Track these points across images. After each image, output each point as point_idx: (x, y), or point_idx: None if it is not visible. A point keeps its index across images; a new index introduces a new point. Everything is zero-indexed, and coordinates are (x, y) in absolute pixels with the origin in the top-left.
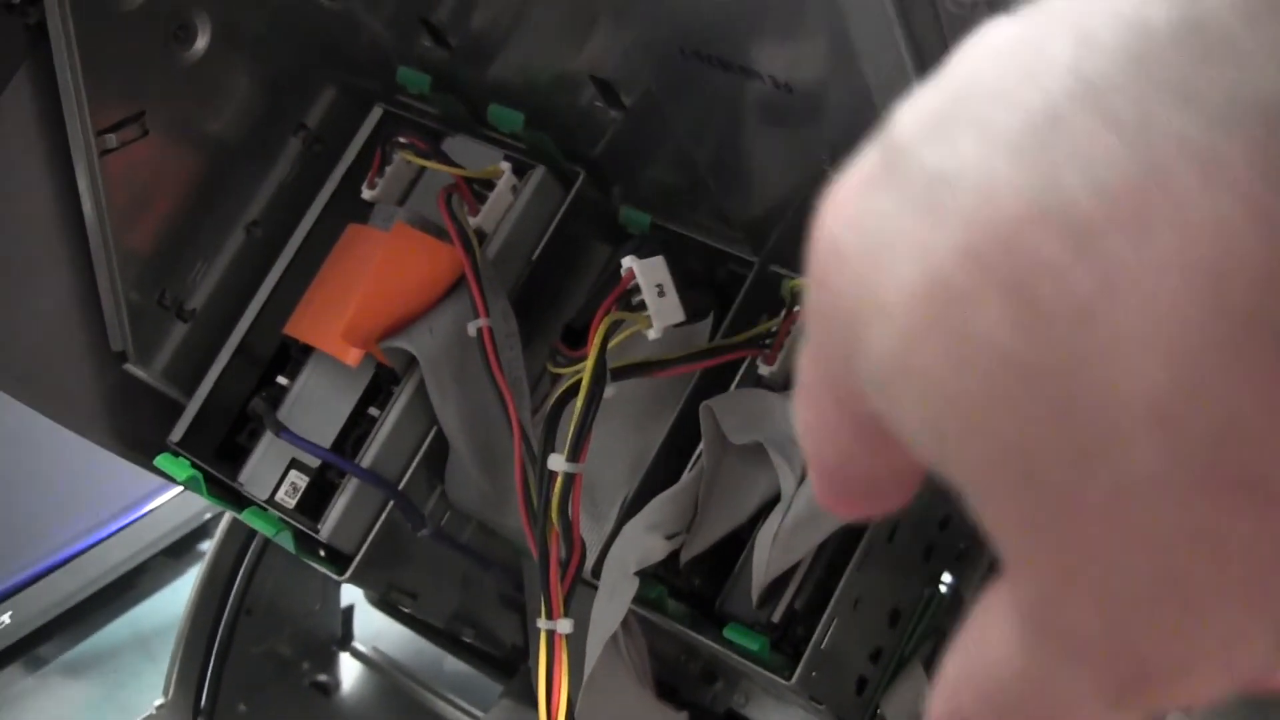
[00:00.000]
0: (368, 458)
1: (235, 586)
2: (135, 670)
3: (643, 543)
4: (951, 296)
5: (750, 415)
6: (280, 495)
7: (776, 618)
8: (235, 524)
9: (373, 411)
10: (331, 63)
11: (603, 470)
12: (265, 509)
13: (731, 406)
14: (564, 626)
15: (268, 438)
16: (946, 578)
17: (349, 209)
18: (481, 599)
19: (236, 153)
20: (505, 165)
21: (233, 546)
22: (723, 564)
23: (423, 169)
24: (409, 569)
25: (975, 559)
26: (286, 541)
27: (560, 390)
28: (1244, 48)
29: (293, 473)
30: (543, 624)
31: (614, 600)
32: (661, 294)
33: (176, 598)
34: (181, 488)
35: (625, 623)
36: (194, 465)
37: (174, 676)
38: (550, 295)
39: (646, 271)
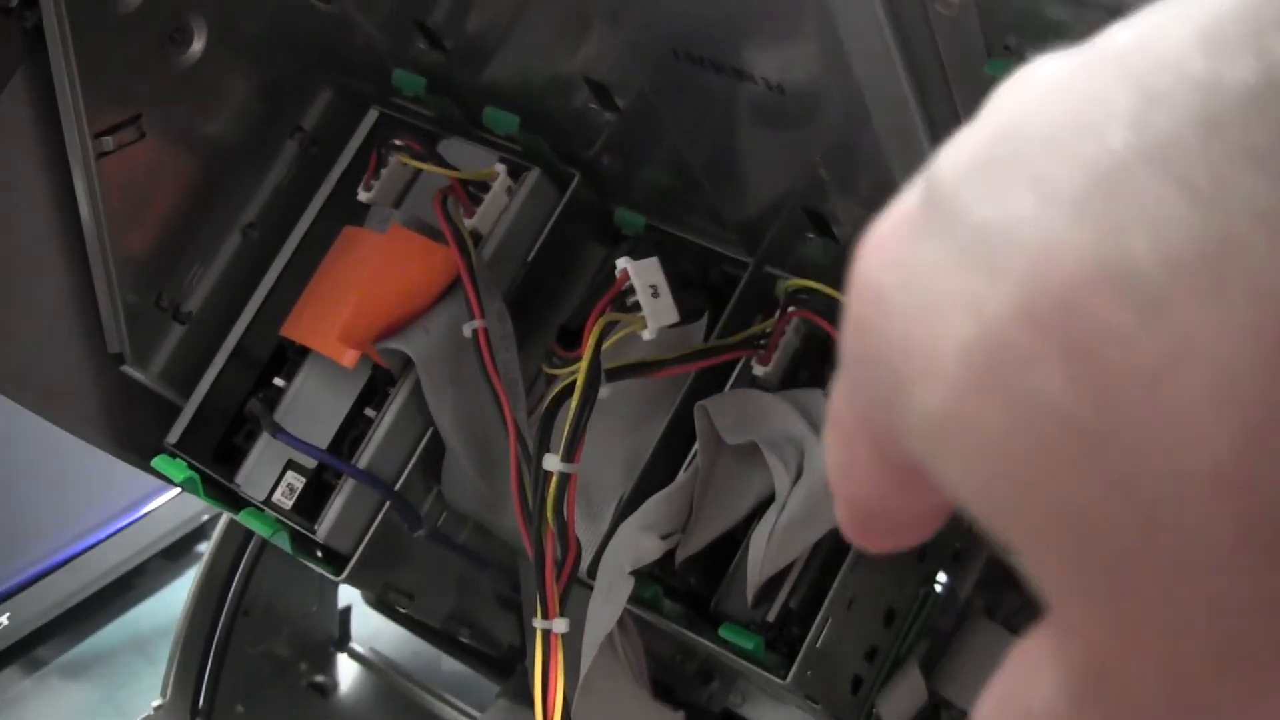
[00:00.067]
0: (364, 458)
1: (233, 588)
2: (133, 671)
3: (638, 542)
4: (1008, 356)
5: (745, 415)
6: (277, 496)
7: (772, 617)
8: (232, 525)
9: (369, 412)
10: (327, 66)
11: (598, 470)
12: (262, 510)
13: (726, 407)
14: (559, 626)
15: (264, 439)
16: (941, 577)
17: (345, 211)
18: (478, 599)
19: (233, 155)
20: (500, 167)
21: (230, 548)
22: (718, 564)
23: (418, 171)
24: (406, 569)
25: (970, 559)
26: (283, 542)
27: (555, 391)
28: None
29: (289, 474)
30: (538, 623)
31: (610, 600)
32: (656, 295)
33: (174, 599)
34: (179, 489)
35: (621, 622)
36: (191, 466)
37: (172, 677)
38: (545, 296)
39: (641, 272)
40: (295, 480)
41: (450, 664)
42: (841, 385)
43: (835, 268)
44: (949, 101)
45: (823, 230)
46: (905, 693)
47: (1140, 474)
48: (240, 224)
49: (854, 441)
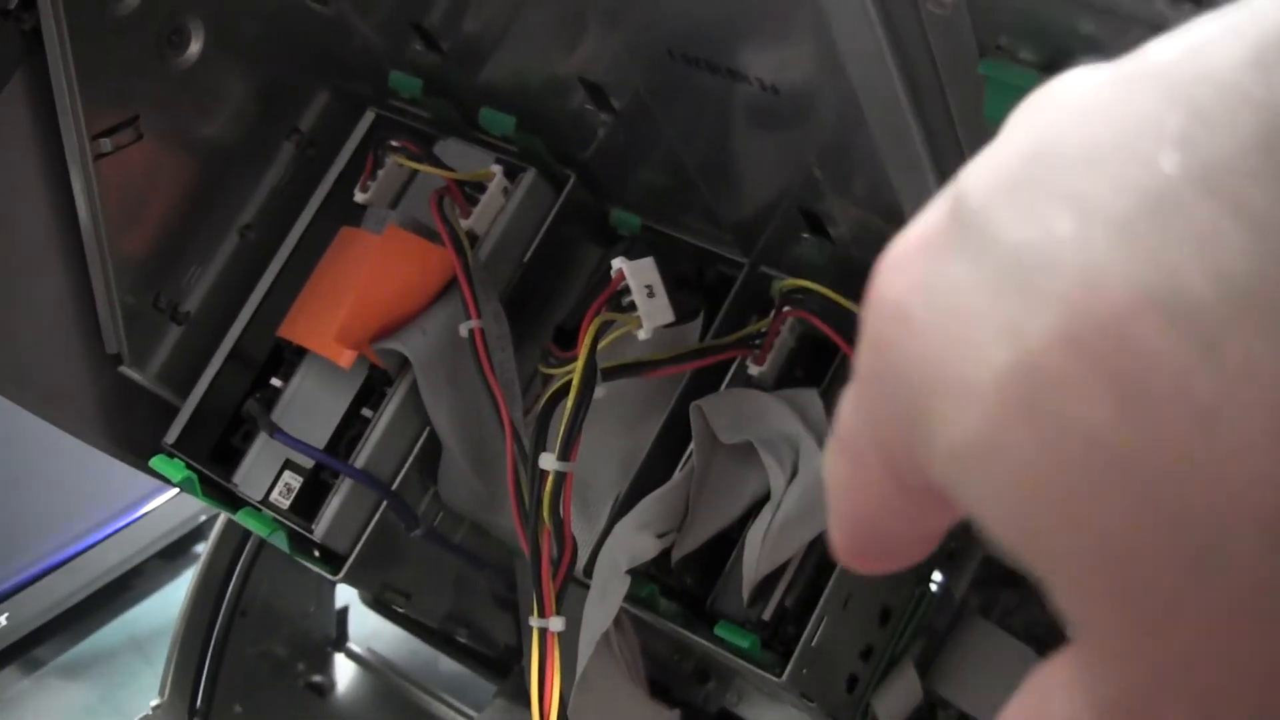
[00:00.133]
0: (361, 458)
1: (230, 588)
2: (131, 671)
3: (634, 541)
4: (1050, 385)
5: (740, 415)
6: (274, 496)
7: (767, 616)
8: (230, 526)
9: (366, 412)
10: (324, 67)
11: (594, 470)
12: (260, 509)
13: (722, 406)
14: (556, 624)
15: (262, 439)
16: (937, 576)
17: (342, 212)
18: (475, 599)
19: (230, 156)
20: (497, 168)
21: (227, 549)
22: (714, 563)
23: (415, 172)
24: (403, 569)
25: (966, 558)
26: (281, 541)
27: (552, 390)
28: None
29: (287, 473)
30: (535, 622)
31: (606, 599)
32: (651, 295)
33: (172, 599)
34: (176, 490)
35: (617, 621)
36: (189, 466)
37: (170, 678)
38: (542, 297)
39: (636, 273)
40: (292, 480)
41: (447, 664)
42: (854, 402)
43: (830, 268)
44: (942, 101)
45: (817, 230)
46: (901, 691)
47: (1192, 514)
48: (238, 225)
49: (865, 460)
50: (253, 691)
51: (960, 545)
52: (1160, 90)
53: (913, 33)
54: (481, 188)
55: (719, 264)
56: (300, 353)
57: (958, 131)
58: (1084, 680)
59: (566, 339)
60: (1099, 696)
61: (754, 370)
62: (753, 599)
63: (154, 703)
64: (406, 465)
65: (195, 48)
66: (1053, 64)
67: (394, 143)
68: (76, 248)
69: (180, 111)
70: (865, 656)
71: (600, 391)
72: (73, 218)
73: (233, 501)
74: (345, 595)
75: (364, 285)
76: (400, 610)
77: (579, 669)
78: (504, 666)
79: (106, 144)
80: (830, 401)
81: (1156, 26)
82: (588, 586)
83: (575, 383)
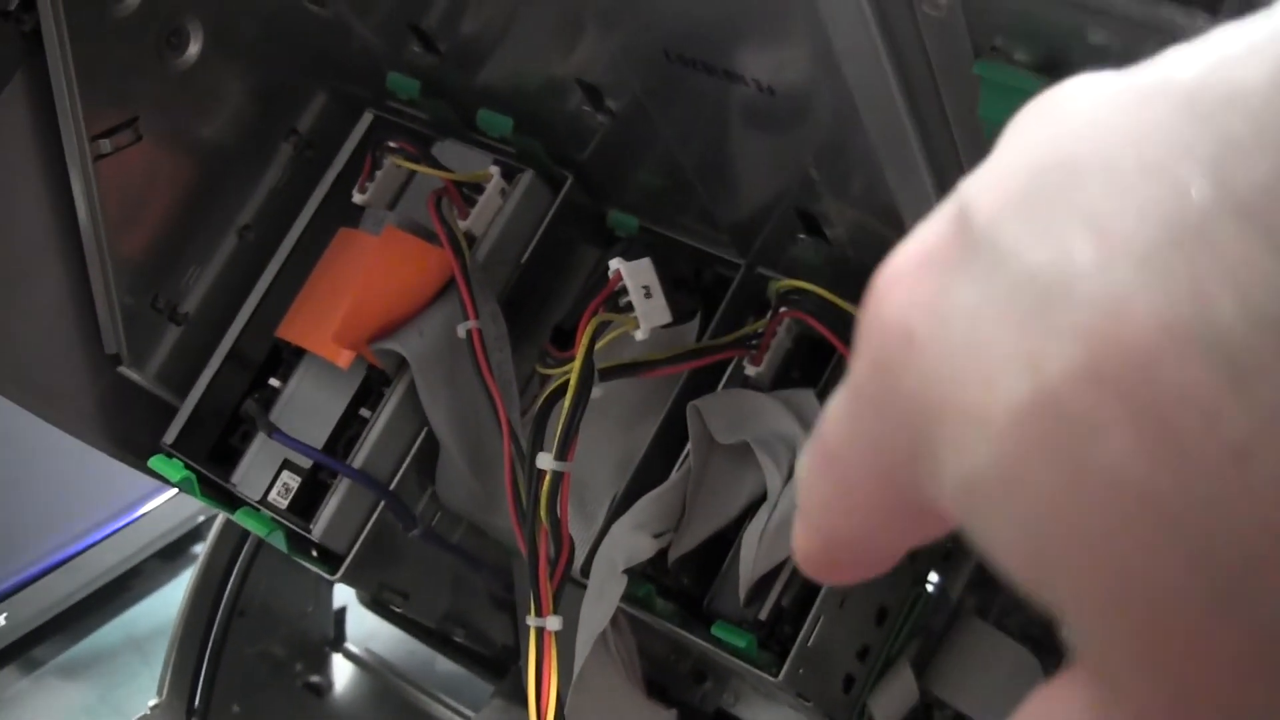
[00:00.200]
0: (359, 458)
1: (228, 588)
2: (130, 671)
3: (631, 541)
4: (1072, 420)
5: (737, 415)
6: (273, 496)
7: (764, 615)
8: (228, 526)
9: (364, 413)
10: (322, 69)
11: (591, 470)
12: (258, 509)
13: (718, 407)
14: (553, 624)
15: (260, 439)
16: (933, 577)
17: (340, 213)
18: (472, 599)
19: (229, 157)
20: (494, 169)
21: (226, 549)
22: (710, 562)
23: (413, 173)
24: (400, 569)
25: (961, 559)
26: (279, 541)
27: (549, 391)
28: None
29: (285, 474)
30: (532, 621)
31: (603, 598)
32: (648, 295)
33: (170, 600)
34: (175, 490)
35: (614, 621)
36: (187, 466)
37: (168, 677)
38: (539, 298)
39: (633, 273)
40: (291, 480)
41: (445, 664)
42: (848, 420)
43: (827, 268)
44: (938, 102)
45: (814, 231)
46: (897, 692)
47: (1219, 551)
48: (236, 226)
49: (853, 479)
50: (251, 691)
51: (956, 546)
52: (1183, 111)
53: (908, 33)
54: (479, 189)
55: (716, 265)
56: (298, 353)
57: (953, 132)
58: (1093, 708)
59: (564, 339)
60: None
61: (751, 371)
62: (749, 599)
63: (152, 702)
64: (404, 465)
65: (194, 49)
66: (1048, 65)
67: (392, 144)
68: (76, 248)
69: (179, 112)
70: (862, 656)
71: (597, 392)
72: (72, 218)
73: (231, 501)
74: (343, 595)
75: (362, 286)
76: (398, 610)
77: (576, 669)
78: (501, 666)
79: (106, 145)
80: (827, 402)
81: (1152, 28)
82: (585, 586)
83: (572, 383)
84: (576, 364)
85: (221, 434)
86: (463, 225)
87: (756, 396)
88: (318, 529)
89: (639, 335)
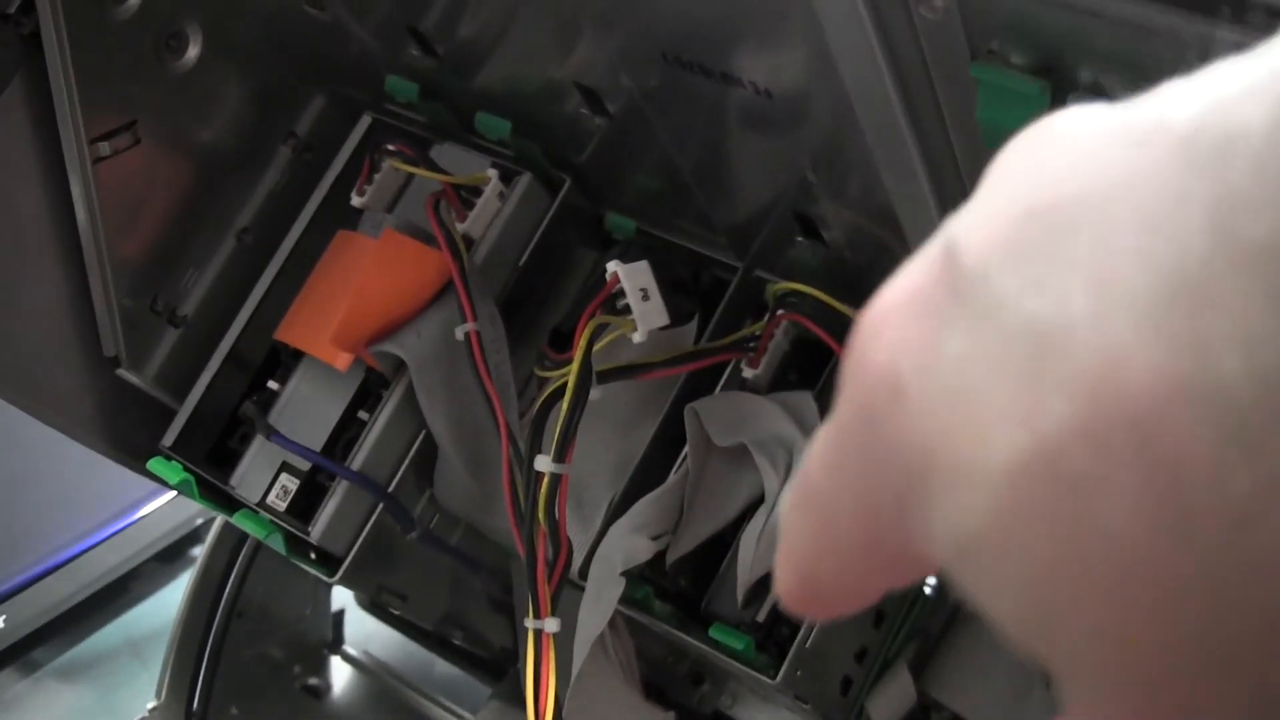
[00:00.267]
0: (357, 461)
1: (227, 591)
2: (128, 674)
3: (629, 543)
4: (1068, 480)
5: (734, 418)
6: (271, 498)
7: (761, 617)
8: (227, 529)
9: (362, 415)
10: (321, 72)
11: (589, 472)
12: (256, 512)
13: (716, 409)
14: (551, 625)
15: (259, 441)
16: (931, 579)
17: (338, 216)
18: (471, 601)
19: (227, 160)
20: (492, 172)
21: (224, 551)
22: (708, 565)
23: (411, 176)
24: (399, 571)
25: None
26: (277, 543)
27: (547, 393)
28: None
29: (283, 476)
30: (530, 623)
31: (601, 600)
32: (646, 298)
33: (169, 602)
34: (173, 493)
35: (612, 623)
36: (186, 469)
37: (166, 680)
38: (537, 300)
39: (631, 276)
40: (289, 482)
41: (443, 666)
42: (834, 465)
43: (824, 271)
44: (935, 104)
45: (811, 234)
46: (895, 694)
47: (1223, 617)
48: (235, 228)
49: (838, 523)
50: (249, 694)
51: None
52: (1181, 157)
53: (905, 36)
54: (477, 192)
55: (714, 267)
56: (297, 355)
57: (949, 135)
58: None
59: (562, 342)
60: None
61: (748, 373)
62: (747, 601)
63: (151, 705)
64: (403, 468)
65: (193, 52)
66: (1045, 68)
67: (390, 147)
68: (75, 251)
69: (178, 116)
70: (859, 659)
71: (595, 394)
72: (71, 221)
73: (229, 504)
74: (341, 598)
75: (360, 288)
76: (396, 612)
77: (574, 671)
78: (499, 669)
79: (105, 148)
80: (824, 404)
81: (1147, 31)
82: (583, 588)
83: (570, 385)
84: (574, 366)
85: (220, 436)
86: (461, 228)
87: (754, 399)
88: (316, 531)
89: (637, 337)
